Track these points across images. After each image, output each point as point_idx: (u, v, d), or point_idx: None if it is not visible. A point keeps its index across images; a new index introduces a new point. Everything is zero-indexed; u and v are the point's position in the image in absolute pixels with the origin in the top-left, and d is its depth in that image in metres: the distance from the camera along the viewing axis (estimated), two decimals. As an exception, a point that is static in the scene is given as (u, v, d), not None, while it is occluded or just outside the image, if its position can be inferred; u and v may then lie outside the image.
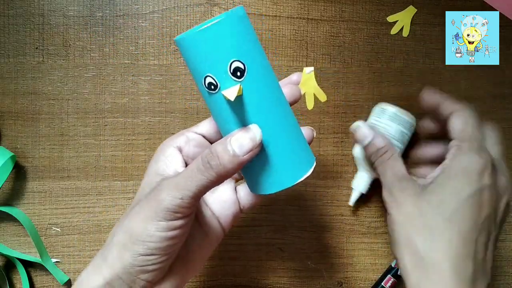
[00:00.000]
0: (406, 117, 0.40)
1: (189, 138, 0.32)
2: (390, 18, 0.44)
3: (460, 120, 0.34)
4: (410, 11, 0.44)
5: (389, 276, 0.43)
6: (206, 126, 0.33)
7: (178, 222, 0.28)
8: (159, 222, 0.28)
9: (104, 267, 0.28)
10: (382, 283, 0.43)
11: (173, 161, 0.31)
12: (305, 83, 0.41)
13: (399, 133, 0.40)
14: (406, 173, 0.35)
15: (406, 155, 0.42)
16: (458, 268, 0.30)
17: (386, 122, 0.40)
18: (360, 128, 0.38)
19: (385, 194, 0.35)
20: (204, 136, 0.33)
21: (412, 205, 0.32)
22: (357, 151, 0.42)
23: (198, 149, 0.33)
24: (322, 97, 0.41)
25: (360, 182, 0.42)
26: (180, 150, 0.32)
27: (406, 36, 0.44)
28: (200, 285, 0.43)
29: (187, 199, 0.28)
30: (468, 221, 0.31)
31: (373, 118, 0.41)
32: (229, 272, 0.44)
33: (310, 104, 0.42)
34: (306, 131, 0.34)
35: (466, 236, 0.31)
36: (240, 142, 0.27)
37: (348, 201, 0.44)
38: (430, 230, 0.31)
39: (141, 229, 0.28)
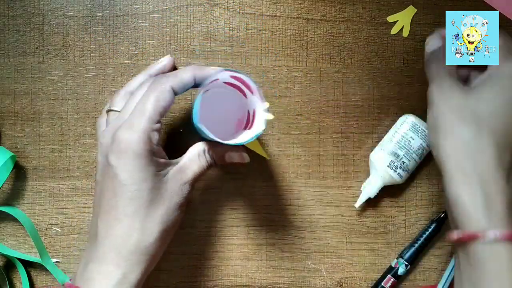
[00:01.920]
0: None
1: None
2: (390, 18, 0.43)
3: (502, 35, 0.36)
4: (410, 11, 0.43)
5: (389, 276, 0.43)
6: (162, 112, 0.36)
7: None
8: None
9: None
10: (382, 283, 0.43)
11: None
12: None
13: (421, 149, 0.42)
14: (458, 77, 0.37)
15: (419, 168, 0.42)
16: (500, 156, 0.33)
17: (411, 135, 0.41)
18: (434, 37, 0.39)
19: (433, 87, 0.36)
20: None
21: (460, 98, 0.34)
22: (372, 155, 0.43)
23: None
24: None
25: (371, 187, 0.42)
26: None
27: (406, 36, 0.44)
28: (200, 285, 0.43)
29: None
30: (508, 117, 0.34)
31: (398, 128, 0.42)
32: (229, 272, 0.44)
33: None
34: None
35: (507, 131, 0.33)
36: None
37: (348, 200, 0.44)
38: (476, 120, 0.33)
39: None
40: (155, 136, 0.34)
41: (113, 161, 0.33)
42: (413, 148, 0.41)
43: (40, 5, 0.42)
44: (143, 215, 0.33)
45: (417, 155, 0.42)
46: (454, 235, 0.33)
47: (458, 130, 0.34)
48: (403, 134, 0.42)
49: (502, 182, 0.32)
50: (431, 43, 0.40)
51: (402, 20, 0.43)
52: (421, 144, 0.41)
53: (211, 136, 0.34)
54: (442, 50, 0.38)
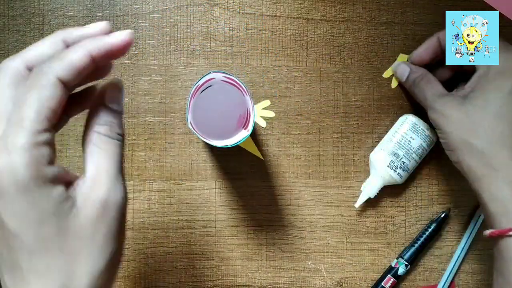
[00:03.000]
0: (432, 135, 0.42)
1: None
2: (386, 74, 0.44)
3: None
4: (401, 59, 0.43)
5: (389, 276, 0.43)
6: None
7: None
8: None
9: None
10: (382, 283, 0.43)
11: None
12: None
13: (421, 149, 0.42)
14: (444, 91, 0.38)
15: (419, 168, 0.42)
16: None
17: (413, 136, 0.41)
18: (400, 65, 0.42)
19: (431, 114, 0.38)
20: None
21: (458, 113, 0.35)
22: (372, 155, 0.43)
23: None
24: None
25: (371, 187, 0.42)
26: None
27: (394, 87, 0.44)
28: (200, 285, 0.43)
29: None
30: None
31: (398, 128, 0.42)
32: (229, 272, 0.44)
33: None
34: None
35: None
36: None
37: (348, 200, 0.44)
38: (482, 128, 0.34)
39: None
40: (45, 153, 0.23)
41: None
42: (413, 148, 0.41)
43: (40, 5, 0.42)
44: (59, 271, 0.23)
45: (417, 155, 0.42)
46: (487, 232, 0.35)
47: (470, 144, 0.35)
48: (403, 134, 0.42)
49: None
50: (400, 72, 0.42)
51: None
52: (421, 144, 0.41)
53: (201, 137, 0.34)
54: (413, 74, 0.40)
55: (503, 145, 0.34)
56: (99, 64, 0.25)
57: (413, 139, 0.41)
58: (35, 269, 0.23)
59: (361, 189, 0.43)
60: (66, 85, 0.24)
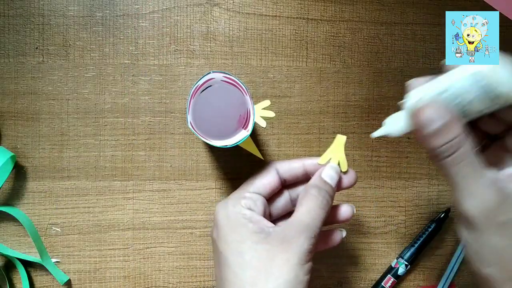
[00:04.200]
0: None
1: (254, 199, 0.34)
2: (322, 160, 0.37)
3: None
4: (339, 141, 0.37)
5: (389, 276, 0.43)
6: (262, 188, 0.35)
7: (311, 262, 0.31)
8: (304, 265, 0.30)
9: None
10: (382, 283, 0.43)
11: (259, 219, 0.33)
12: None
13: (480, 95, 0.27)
14: (485, 169, 0.26)
15: (420, 167, 0.41)
16: None
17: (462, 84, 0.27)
18: (428, 106, 0.27)
19: (457, 220, 0.29)
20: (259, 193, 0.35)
21: (496, 234, 0.26)
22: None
23: (263, 207, 0.34)
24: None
25: (395, 122, 0.33)
26: (251, 209, 0.33)
27: (345, 171, 0.37)
28: (200, 285, 0.43)
29: (316, 237, 0.31)
30: None
31: (441, 80, 0.29)
32: (229, 272, 0.44)
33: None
34: (345, 208, 0.37)
35: None
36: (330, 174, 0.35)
37: (348, 200, 0.44)
38: None
39: (292, 278, 0.29)
40: (247, 202, 0.34)
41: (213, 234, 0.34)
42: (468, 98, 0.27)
43: (40, 5, 0.42)
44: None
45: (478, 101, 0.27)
46: None
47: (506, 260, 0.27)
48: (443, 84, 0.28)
49: None
50: (428, 115, 0.27)
51: (335, 155, 0.37)
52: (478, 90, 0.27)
53: (201, 137, 0.34)
54: (460, 134, 0.26)
55: None
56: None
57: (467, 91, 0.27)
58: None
59: (384, 122, 0.34)
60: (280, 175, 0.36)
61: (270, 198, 0.36)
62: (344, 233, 0.37)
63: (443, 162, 0.27)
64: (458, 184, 0.27)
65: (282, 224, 0.33)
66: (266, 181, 0.35)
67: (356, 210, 0.44)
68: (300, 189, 0.36)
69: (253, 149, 0.42)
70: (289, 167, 0.36)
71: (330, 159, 0.36)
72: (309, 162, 0.36)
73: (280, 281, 0.29)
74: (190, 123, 0.34)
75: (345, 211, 0.36)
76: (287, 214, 0.34)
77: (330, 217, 0.36)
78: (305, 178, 0.36)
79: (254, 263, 0.30)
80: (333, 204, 0.35)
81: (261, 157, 0.43)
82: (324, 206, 0.33)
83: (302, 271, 0.30)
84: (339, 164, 0.36)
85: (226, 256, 0.31)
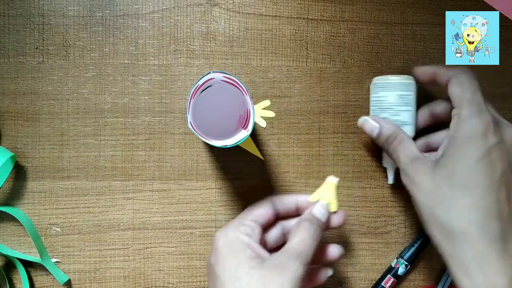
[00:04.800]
0: (400, 80, 0.39)
1: (252, 227, 0.35)
2: (313, 199, 0.38)
3: (456, 86, 0.35)
4: (330, 183, 0.38)
5: (389, 276, 0.43)
6: (259, 218, 0.36)
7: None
8: None
9: None
10: (382, 283, 0.43)
11: (256, 246, 0.34)
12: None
13: (400, 98, 0.39)
14: (417, 153, 0.36)
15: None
16: (485, 230, 0.31)
17: (383, 94, 0.40)
18: (367, 121, 0.39)
19: (403, 177, 0.36)
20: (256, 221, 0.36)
21: (428, 182, 0.33)
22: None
23: (259, 235, 0.35)
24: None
25: (391, 160, 0.41)
26: (249, 236, 0.34)
27: (334, 211, 0.38)
28: (200, 285, 0.43)
29: (308, 265, 0.33)
30: (483, 183, 0.32)
31: (371, 96, 0.41)
32: (229, 272, 0.44)
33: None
34: (333, 248, 0.38)
35: (485, 198, 0.31)
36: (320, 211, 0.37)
37: (349, 200, 0.44)
38: (449, 201, 0.32)
39: None
40: (246, 229, 0.35)
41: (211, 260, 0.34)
42: (392, 103, 0.39)
43: (40, 5, 0.42)
44: None
45: (402, 105, 0.39)
46: None
47: (438, 218, 0.33)
48: (374, 98, 0.41)
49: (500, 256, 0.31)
50: (369, 128, 0.39)
51: (325, 196, 0.38)
52: (397, 95, 0.39)
53: (201, 137, 0.34)
54: (384, 130, 0.38)
55: (469, 220, 0.31)
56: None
57: (387, 96, 0.40)
58: None
59: (384, 165, 0.43)
60: (275, 208, 0.37)
61: (265, 229, 0.37)
62: (330, 272, 0.38)
63: (392, 144, 0.38)
64: (398, 154, 0.37)
65: (277, 253, 0.34)
66: (262, 211, 0.36)
67: (356, 210, 0.44)
68: (292, 223, 0.38)
69: (253, 149, 0.42)
70: (283, 201, 0.38)
71: (320, 198, 0.38)
72: (301, 199, 0.38)
73: None
74: (190, 123, 0.34)
75: (333, 251, 0.38)
76: (280, 246, 0.35)
77: (319, 257, 0.38)
78: (297, 213, 0.38)
79: (250, 287, 0.31)
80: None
81: (261, 157, 0.43)
82: (315, 237, 0.34)
83: None
84: (330, 203, 0.38)
85: (224, 281, 0.32)
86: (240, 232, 0.34)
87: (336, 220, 0.37)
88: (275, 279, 0.31)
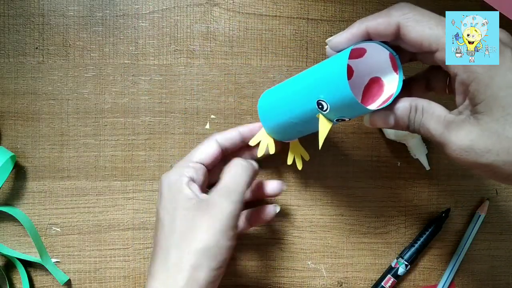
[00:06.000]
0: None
1: (196, 169, 0.36)
2: (253, 142, 0.40)
3: (421, 26, 0.33)
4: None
5: (389, 276, 0.43)
6: (204, 157, 0.37)
7: (237, 229, 0.32)
8: (227, 231, 0.31)
9: None
10: (382, 283, 0.43)
11: (195, 188, 0.34)
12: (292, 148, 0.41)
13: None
14: (447, 114, 0.31)
15: (420, 167, 0.42)
16: None
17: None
18: (375, 113, 0.32)
19: (446, 150, 0.30)
20: (203, 164, 0.37)
21: (479, 139, 0.29)
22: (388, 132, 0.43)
23: (203, 177, 0.36)
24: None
25: (418, 146, 0.42)
26: (193, 180, 0.35)
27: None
28: (200, 285, 0.43)
29: (240, 202, 0.33)
30: None
31: None
32: (229, 272, 0.44)
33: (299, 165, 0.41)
34: (274, 183, 0.40)
35: None
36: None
37: (348, 200, 0.44)
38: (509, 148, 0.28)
39: (213, 243, 0.31)
40: (189, 171, 0.35)
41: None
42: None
43: (40, 5, 0.42)
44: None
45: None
46: None
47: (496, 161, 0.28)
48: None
49: None
50: (381, 119, 0.33)
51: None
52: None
53: (358, 104, 0.30)
54: (409, 105, 0.32)
55: None
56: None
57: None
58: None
59: (414, 155, 0.43)
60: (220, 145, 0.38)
61: (216, 166, 0.38)
62: (277, 208, 0.39)
63: (416, 130, 0.32)
64: (428, 125, 0.31)
65: (210, 192, 0.35)
66: (207, 150, 0.37)
67: (356, 210, 0.44)
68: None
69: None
70: (226, 136, 0.39)
71: (260, 141, 0.39)
72: (243, 129, 0.39)
73: (200, 246, 0.31)
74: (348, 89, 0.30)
75: (272, 185, 0.39)
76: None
77: (259, 193, 0.40)
78: (243, 144, 0.40)
79: (182, 228, 0.32)
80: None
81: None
82: (248, 171, 0.35)
83: (224, 237, 0.31)
84: (269, 146, 0.39)
85: (163, 223, 0.33)
86: (182, 174, 0.35)
87: (271, 187, 0.39)
88: (205, 220, 0.31)
